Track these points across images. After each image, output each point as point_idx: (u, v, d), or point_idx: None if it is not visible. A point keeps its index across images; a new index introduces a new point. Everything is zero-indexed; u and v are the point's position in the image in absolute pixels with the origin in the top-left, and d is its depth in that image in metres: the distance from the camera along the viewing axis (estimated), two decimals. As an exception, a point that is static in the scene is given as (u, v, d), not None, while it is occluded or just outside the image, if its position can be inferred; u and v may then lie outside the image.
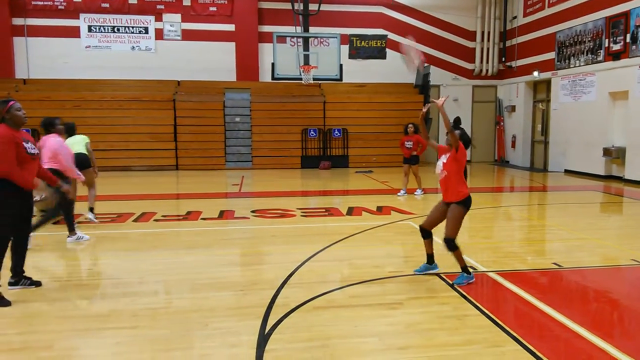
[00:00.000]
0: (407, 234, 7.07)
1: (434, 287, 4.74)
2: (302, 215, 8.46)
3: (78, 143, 7.97)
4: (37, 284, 4.76)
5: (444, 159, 4.84)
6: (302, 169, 16.62)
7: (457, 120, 15.59)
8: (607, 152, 13.56)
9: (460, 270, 4.83)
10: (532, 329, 3.83)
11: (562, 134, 15.57)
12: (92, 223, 7.69)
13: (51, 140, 6.44)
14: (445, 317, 4.02)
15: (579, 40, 14.77)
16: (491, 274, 5.14)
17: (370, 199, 10.07)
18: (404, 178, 10.65)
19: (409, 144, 10.35)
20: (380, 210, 8.88)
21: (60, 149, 6.40)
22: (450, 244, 4.73)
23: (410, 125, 10.39)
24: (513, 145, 18.41)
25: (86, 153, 7.93)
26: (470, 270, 5.21)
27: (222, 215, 8.54)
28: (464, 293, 4.54)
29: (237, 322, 3.95)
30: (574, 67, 15.00)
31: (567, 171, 15.36)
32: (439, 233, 5.04)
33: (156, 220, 8.03)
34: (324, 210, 8.98)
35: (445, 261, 5.61)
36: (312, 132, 17.01)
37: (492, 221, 8.32)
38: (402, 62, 17.17)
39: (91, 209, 7.97)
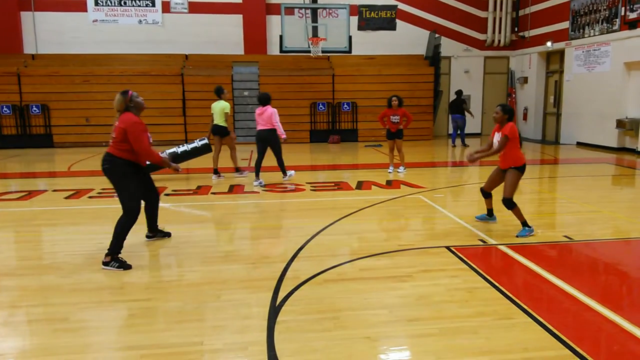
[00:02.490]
0: (416, 208, 7.06)
1: (444, 260, 4.76)
2: (311, 190, 8.47)
3: (217, 113, 9.40)
4: (167, 234, 5.60)
5: (498, 136, 5.63)
6: (311, 143, 16.58)
7: (459, 93, 15.47)
8: (620, 123, 13.34)
9: (521, 226, 5.56)
10: (542, 301, 3.84)
11: (575, 106, 15.33)
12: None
13: (270, 109, 8.92)
14: (455, 289, 4.04)
15: (594, 8, 14.38)
16: (501, 247, 5.14)
17: (380, 173, 10.04)
18: (390, 154, 10.16)
19: (395, 118, 9.69)
20: (389, 184, 8.86)
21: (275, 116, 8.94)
22: (509, 202, 5.51)
23: (394, 98, 9.70)
24: (525, 118, 18.17)
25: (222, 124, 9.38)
26: (480, 243, 5.23)
27: (232, 189, 8.57)
28: (474, 266, 4.54)
29: (248, 294, 4.00)
30: (589, 36, 14.66)
31: (579, 143, 15.17)
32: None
33: (167, 194, 8.08)
34: (333, 184, 8.98)
35: (454, 234, 5.62)
36: (320, 106, 16.88)
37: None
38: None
39: (237, 169, 9.68)
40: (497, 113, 5.58)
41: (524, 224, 5.55)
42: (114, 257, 4.68)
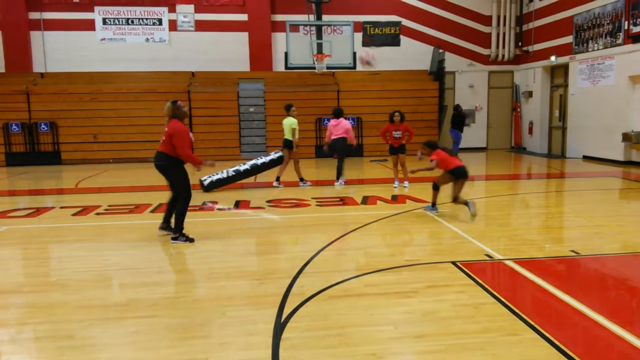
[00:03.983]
0: (422, 222, 7.05)
1: (450, 275, 4.73)
2: (317, 205, 8.48)
3: (286, 128, 10.40)
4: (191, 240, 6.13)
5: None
6: (316, 158, 16.62)
7: (456, 108, 15.56)
8: (626, 137, 13.31)
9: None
10: (549, 317, 3.80)
11: (581, 120, 15.32)
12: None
13: (344, 121, 10.45)
14: (461, 305, 4.01)
15: (598, 23, 14.45)
16: (508, 262, 5.11)
17: (385, 188, 10.03)
18: (394, 169, 10.19)
19: (397, 134, 9.75)
20: (395, 199, 8.85)
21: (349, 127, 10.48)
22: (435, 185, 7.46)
23: (396, 114, 9.76)
24: (530, 132, 18.17)
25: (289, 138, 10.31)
26: (487, 258, 5.20)
27: (238, 205, 8.59)
28: (480, 281, 4.52)
29: (254, 310, 3.99)
30: (592, 50, 14.70)
31: (585, 157, 15.12)
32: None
33: (173, 210, 8.09)
34: (338, 199, 8.99)
35: (460, 249, 5.60)
36: (326, 121, 16.95)
37: (509, 209, 8.24)
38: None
39: (302, 179, 10.53)
40: (424, 150, 7.49)
41: (434, 204, 7.57)
42: (181, 234, 5.94)
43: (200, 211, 8.12)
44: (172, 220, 6.20)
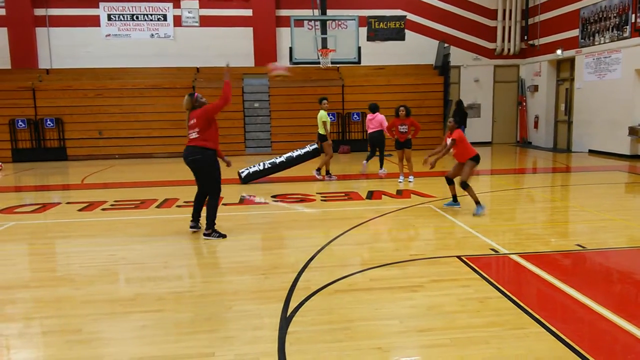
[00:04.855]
0: (427, 217, 7.04)
1: (455, 269, 4.73)
2: (322, 200, 8.48)
3: (318, 122, 10.61)
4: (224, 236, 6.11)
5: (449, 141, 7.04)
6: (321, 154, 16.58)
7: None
8: (632, 131, 13.22)
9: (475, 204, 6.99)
10: (555, 311, 3.80)
11: (587, 114, 15.23)
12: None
13: (379, 115, 10.93)
14: (466, 299, 4.01)
15: (604, 16, 14.33)
16: (513, 256, 5.10)
17: (390, 183, 10.03)
18: (400, 163, 10.22)
19: (403, 128, 9.76)
20: (400, 193, 8.85)
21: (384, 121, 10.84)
22: (464, 185, 6.94)
23: (401, 108, 9.79)
24: (536, 126, 18.08)
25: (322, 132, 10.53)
26: (492, 252, 5.20)
27: (243, 200, 8.61)
28: (486, 275, 4.52)
29: (259, 305, 4.01)
30: (599, 44, 14.59)
31: (591, 151, 15.04)
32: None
33: (178, 206, 8.14)
34: (343, 194, 8.99)
35: (466, 243, 5.59)
36: (330, 116, 16.93)
37: (514, 203, 8.22)
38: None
39: (319, 170, 10.76)
40: (450, 122, 7.14)
41: (477, 202, 6.97)
42: (214, 229, 5.94)
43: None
44: (203, 216, 6.21)
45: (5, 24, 16.87)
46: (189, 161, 5.90)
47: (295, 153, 10.71)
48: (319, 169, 10.78)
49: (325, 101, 10.55)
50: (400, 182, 9.99)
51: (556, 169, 12.54)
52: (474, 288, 4.24)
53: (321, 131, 10.47)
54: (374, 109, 11.01)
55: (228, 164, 6.42)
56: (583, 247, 5.44)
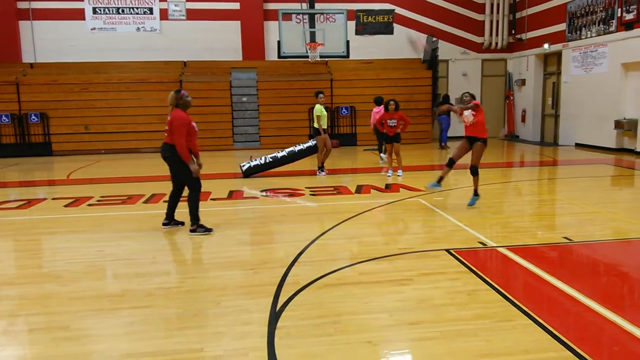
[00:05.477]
0: (416, 211, 7.07)
1: (444, 263, 4.75)
2: (311, 194, 8.47)
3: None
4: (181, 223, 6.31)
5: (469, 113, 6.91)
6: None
7: (446, 97, 15.60)
8: (618, 124, 13.37)
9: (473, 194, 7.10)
10: (542, 303, 3.84)
11: (573, 107, 15.36)
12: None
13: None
14: (455, 292, 4.03)
15: (591, 10, 14.44)
16: (501, 249, 5.14)
17: (379, 177, 10.04)
18: (389, 157, 10.23)
19: (392, 122, 9.78)
20: (388, 187, 8.87)
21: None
22: (476, 169, 6.95)
23: (391, 102, 9.84)
24: (523, 120, 18.21)
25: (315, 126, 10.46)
26: (480, 245, 5.23)
27: (232, 195, 8.57)
28: (474, 268, 4.54)
29: (248, 300, 3.99)
30: (585, 38, 14.71)
31: (577, 145, 15.19)
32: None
33: (165, 201, 8.04)
34: (332, 188, 8.99)
35: (454, 237, 5.62)
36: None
37: (502, 196, 8.28)
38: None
39: (320, 167, 10.56)
40: (467, 97, 7.06)
41: (475, 191, 7.07)
42: (198, 225, 5.91)
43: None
44: (175, 214, 6.32)
45: (-12, 17, 16.57)
46: (163, 158, 6.00)
47: (298, 148, 10.75)
48: (320, 167, 10.62)
49: (321, 95, 10.47)
50: (389, 176, 10.01)
51: (543, 162, 12.65)
52: (462, 281, 4.26)
53: (314, 125, 10.45)
54: (379, 102, 11.25)
55: (196, 168, 5.92)
56: (570, 239, 5.49)
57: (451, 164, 7.18)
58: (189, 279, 4.55)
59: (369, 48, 18.15)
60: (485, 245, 5.30)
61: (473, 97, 7.10)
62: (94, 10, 17.25)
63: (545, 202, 7.89)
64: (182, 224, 6.31)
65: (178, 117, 5.76)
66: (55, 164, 13.94)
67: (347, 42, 15.60)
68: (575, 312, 3.67)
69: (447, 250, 5.09)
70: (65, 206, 7.85)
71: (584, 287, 4.05)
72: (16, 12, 16.80)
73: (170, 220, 6.32)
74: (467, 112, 6.90)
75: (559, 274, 4.35)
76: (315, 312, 3.72)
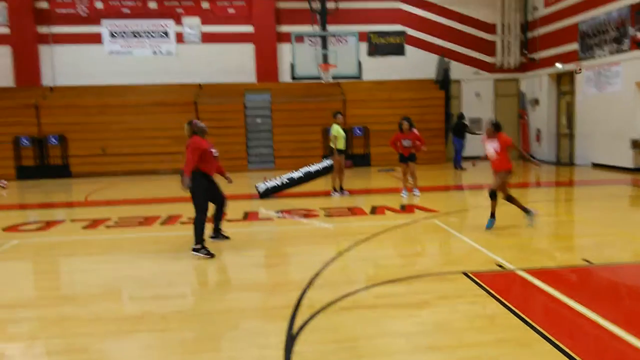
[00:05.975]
0: (431, 232, 7.02)
1: (462, 286, 4.70)
2: (325, 215, 8.47)
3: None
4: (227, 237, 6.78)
5: (490, 145, 6.89)
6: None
7: (460, 116, 15.59)
8: (635, 144, 13.23)
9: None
10: (563, 327, 3.77)
11: (588, 127, 15.25)
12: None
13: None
14: (473, 316, 3.98)
15: (603, 29, 14.43)
16: (519, 272, 5.07)
17: (394, 198, 10.02)
18: (404, 178, 10.16)
19: (407, 143, 9.82)
20: (403, 208, 8.84)
21: None
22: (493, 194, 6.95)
23: (404, 122, 9.82)
24: (538, 139, 18.10)
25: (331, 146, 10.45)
26: (498, 268, 5.17)
27: (247, 217, 8.61)
28: (492, 291, 4.49)
29: (264, 323, 3.98)
30: (599, 57, 14.67)
31: (594, 164, 15.04)
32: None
33: (182, 222, 8.13)
34: (347, 209, 8.98)
35: (471, 259, 5.57)
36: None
37: (519, 218, 8.18)
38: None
39: (335, 188, 10.51)
40: (489, 128, 6.93)
41: (492, 214, 7.00)
42: (203, 246, 5.99)
43: (209, 223, 8.11)
44: (221, 227, 6.78)
45: (9, 42, 17.06)
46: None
47: (313, 168, 10.83)
48: (335, 188, 10.59)
49: (339, 115, 10.51)
50: (403, 196, 9.98)
51: (559, 182, 12.53)
52: (481, 304, 4.21)
53: (332, 145, 10.45)
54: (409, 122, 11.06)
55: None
56: (589, 261, 5.41)
57: (494, 195, 7.00)
58: (205, 302, 4.56)
59: (381, 69, 18.30)
60: (503, 267, 5.24)
61: (497, 127, 6.87)
62: (112, 34, 17.67)
63: (562, 223, 7.80)
64: (228, 238, 6.78)
65: (192, 142, 6.03)
66: (74, 186, 14.14)
67: (360, 63, 15.75)
68: (597, 336, 3.60)
69: (465, 273, 5.03)
70: (84, 228, 7.94)
71: (606, 311, 3.98)
72: (36, 37, 17.27)
73: (217, 233, 6.76)
74: (488, 146, 6.92)
75: (580, 298, 4.27)
76: (331, 336, 3.69)
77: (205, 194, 6.15)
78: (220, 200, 6.54)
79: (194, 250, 6.00)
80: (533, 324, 3.78)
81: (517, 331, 3.68)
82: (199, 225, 6.03)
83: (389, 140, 10.51)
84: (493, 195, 6.93)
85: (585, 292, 4.56)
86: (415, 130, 10.00)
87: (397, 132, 9.99)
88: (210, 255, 5.95)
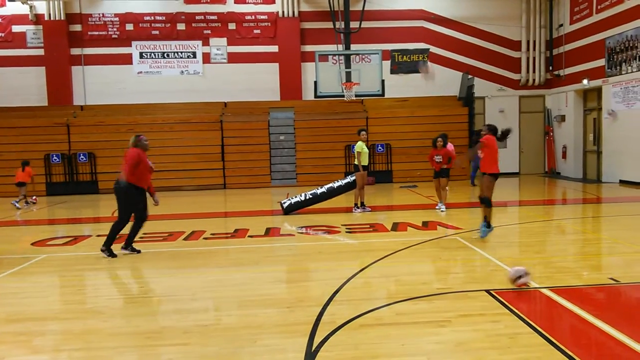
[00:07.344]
0: (454, 250, 6.94)
1: (484, 304, 4.63)
2: (347, 232, 8.47)
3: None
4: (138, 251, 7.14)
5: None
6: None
7: (477, 133, 15.45)
8: (666, 160, 12.89)
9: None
10: (589, 347, 3.68)
11: (616, 143, 14.94)
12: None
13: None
14: (496, 335, 3.91)
15: (630, 45, 14.21)
16: (544, 290, 4.97)
17: (416, 214, 9.96)
18: (437, 192, 10.40)
19: (438, 158, 10.05)
20: (426, 225, 8.77)
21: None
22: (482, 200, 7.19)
23: (439, 139, 10.09)
24: (564, 156, 17.80)
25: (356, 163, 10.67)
26: (522, 286, 5.07)
27: (269, 232, 8.66)
28: (516, 310, 4.41)
29: (284, 339, 3.99)
30: (626, 73, 14.43)
31: (622, 182, 14.69)
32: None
33: (205, 238, 8.23)
34: (368, 226, 8.96)
35: (494, 277, 5.48)
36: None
37: (544, 235, 8.04)
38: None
39: (357, 204, 10.60)
40: (483, 129, 7.37)
41: (486, 222, 7.26)
42: (108, 249, 6.86)
43: (232, 238, 8.21)
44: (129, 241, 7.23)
45: (44, 63, 17.71)
46: (113, 188, 7.06)
47: (337, 184, 10.86)
48: (357, 204, 10.67)
49: (363, 132, 10.69)
50: (437, 209, 10.22)
51: (586, 199, 12.26)
52: (503, 323, 4.14)
53: (356, 162, 10.57)
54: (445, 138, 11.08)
55: (155, 203, 7.27)
56: (616, 280, 5.27)
57: (488, 202, 7.26)
58: (226, 316, 4.59)
59: (403, 86, 18.34)
60: (527, 285, 5.15)
61: (490, 130, 7.30)
62: (141, 55, 18.18)
63: (589, 241, 7.62)
64: (139, 251, 7.15)
65: (130, 152, 6.88)
66: (101, 202, 14.46)
67: (382, 81, 15.78)
68: (624, 358, 3.50)
69: (487, 291, 4.96)
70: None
71: (633, 332, 3.86)
72: (69, 58, 17.89)
73: (129, 246, 7.17)
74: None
75: (606, 317, 4.16)
76: (351, 354, 3.67)
77: (132, 207, 6.84)
78: (142, 217, 7.07)
79: (102, 250, 6.85)
80: (557, 343, 3.69)
81: (540, 351, 3.60)
82: (114, 231, 6.80)
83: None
84: (483, 201, 7.17)
85: (612, 311, 4.44)
86: (449, 147, 10.38)
87: (432, 149, 10.25)
88: (113, 255, 6.81)
